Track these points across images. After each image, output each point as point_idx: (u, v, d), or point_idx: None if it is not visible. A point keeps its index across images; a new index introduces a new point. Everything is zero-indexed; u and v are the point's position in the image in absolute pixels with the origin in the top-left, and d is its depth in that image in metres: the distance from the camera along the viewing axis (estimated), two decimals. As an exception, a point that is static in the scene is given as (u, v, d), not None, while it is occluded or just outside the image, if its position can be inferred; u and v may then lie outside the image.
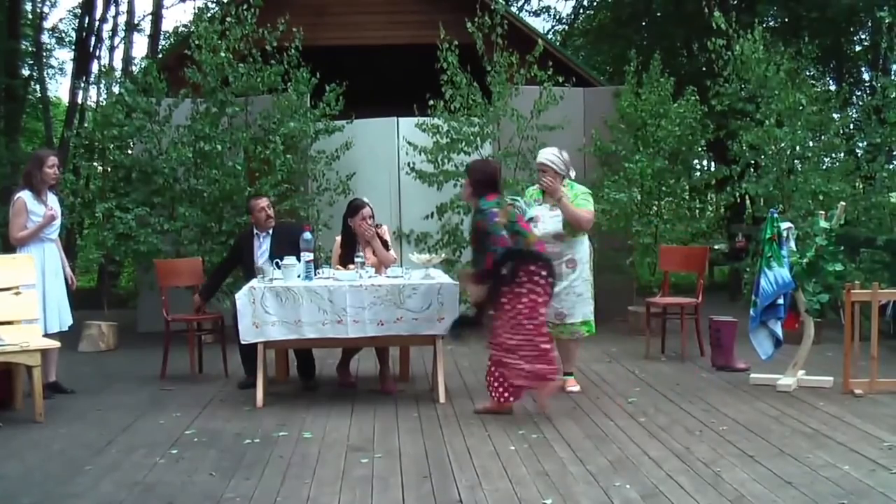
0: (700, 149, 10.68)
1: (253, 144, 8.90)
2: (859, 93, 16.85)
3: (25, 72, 18.41)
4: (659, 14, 17.66)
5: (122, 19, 21.30)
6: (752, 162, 9.86)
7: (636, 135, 9.71)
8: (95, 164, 10.78)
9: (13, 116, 16.80)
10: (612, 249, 9.45)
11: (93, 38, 19.25)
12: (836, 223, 6.37)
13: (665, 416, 5.52)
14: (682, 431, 5.13)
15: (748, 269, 9.19)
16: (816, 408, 5.63)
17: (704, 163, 18.14)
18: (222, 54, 8.78)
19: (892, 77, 13.01)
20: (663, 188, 9.80)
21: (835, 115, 10.07)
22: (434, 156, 8.99)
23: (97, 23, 19.57)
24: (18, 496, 4.14)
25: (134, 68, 19.51)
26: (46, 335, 6.02)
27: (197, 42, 8.86)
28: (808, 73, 10.23)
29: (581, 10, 21.57)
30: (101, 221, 8.69)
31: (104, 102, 11.44)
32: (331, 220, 8.85)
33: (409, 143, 8.99)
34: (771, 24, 15.71)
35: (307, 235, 6.16)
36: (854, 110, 14.81)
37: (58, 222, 6.50)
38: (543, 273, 5.40)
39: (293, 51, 9.05)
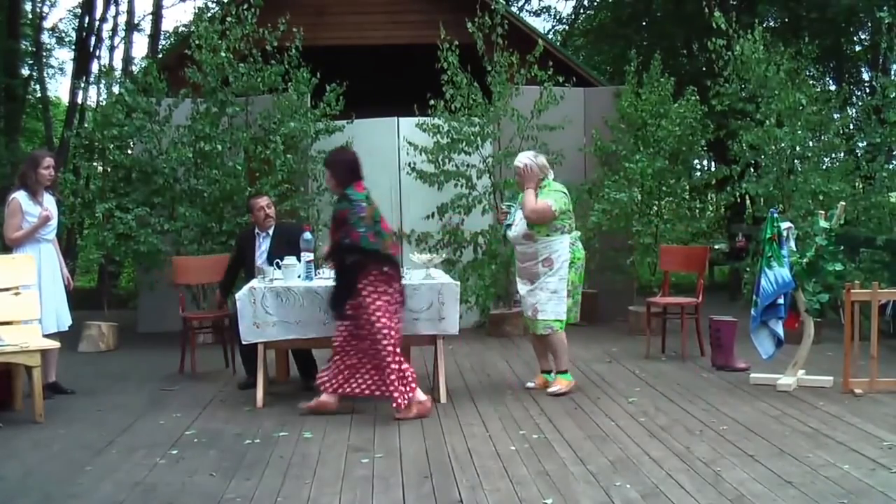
0: (700, 149, 10.68)
1: (253, 144, 8.90)
2: (859, 93, 16.86)
3: (25, 72, 18.42)
4: (659, 14, 17.66)
5: (122, 19, 21.32)
6: (752, 162, 9.86)
7: (636, 135, 9.71)
8: (95, 164, 10.76)
9: (13, 116, 16.81)
10: (613, 249, 9.46)
11: (93, 38, 19.25)
12: (835, 223, 6.37)
13: (665, 415, 5.52)
14: (682, 431, 5.13)
15: (748, 269, 9.20)
16: (816, 407, 5.64)
17: (704, 163, 18.16)
18: (222, 54, 8.78)
19: (892, 77, 13.03)
20: (663, 188, 9.80)
21: (835, 115, 10.06)
22: (435, 156, 9.00)
23: (97, 23, 19.58)
24: (18, 497, 4.14)
25: (134, 68, 19.53)
26: (44, 336, 6.01)
27: (197, 42, 8.86)
28: (808, 73, 10.22)
29: (581, 10, 21.59)
30: (101, 221, 8.68)
31: (104, 102, 11.44)
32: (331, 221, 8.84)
33: (410, 143, 9.00)
34: (771, 24, 15.72)
35: (307, 235, 6.16)
36: (854, 110, 14.82)
37: (54, 223, 6.48)
38: (396, 281, 5.51)
39: (293, 51, 9.05)
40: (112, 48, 21.53)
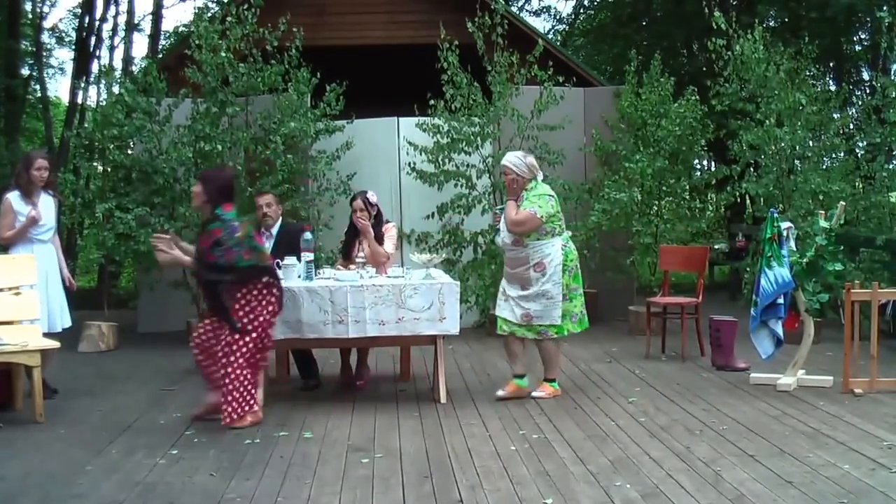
0: (700, 149, 10.68)
1: (253, 144, 8.90)
2: (859, 93, 16.85)
3: (25, 72, 18.40)
4: (659, 14, 17.66)
5: (122, 19, 21.29)
6: (752, 162, 9.86)
7: (636, 134, 9.72)
8: (95, 164, 10.76)
9: (13, 116, 16.79)
10: (613, 249, 9.46)
11: (93, 38, 19.24)
12: (835, 223, 6.37)
13: (665, 415, 5.53)
14: (682, 431, 5.14)
15: (748, 269, 9.20)
16: (816, 407, 5.64)
17: (704, 163, 18.15)
18: (222, 54, 8.76)
19: (892, 77, 13.02)
20: (663, 188, 9.80)
21: (835, 115, 10.07)
22: (435, 156, 9.00)
23: (97, 22, 19.56)
24: (19, 497, 4.15)
25: (134, 68, 19.51)
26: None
27: (197, 42, 8.85)
28: (807, 73, 10.21)
29: (581, 10, 21.59)
30: (101, 221, 8.67)
31: (104, 102, 11.43)
32: (331, 221, 8.85)
33: (410, 143, 8.99)
34: (771, 24, 15.70)
35: (307, 235, 6.16)
36: (854, 110, 14.82)
37: (49, 224, 6.47)
38: (276, 290, 5.47)
39: (293, 51, 9.04)
40: (112, 48, 21.53)
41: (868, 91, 15.95)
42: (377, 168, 9.41)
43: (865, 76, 17.44)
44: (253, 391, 5.39)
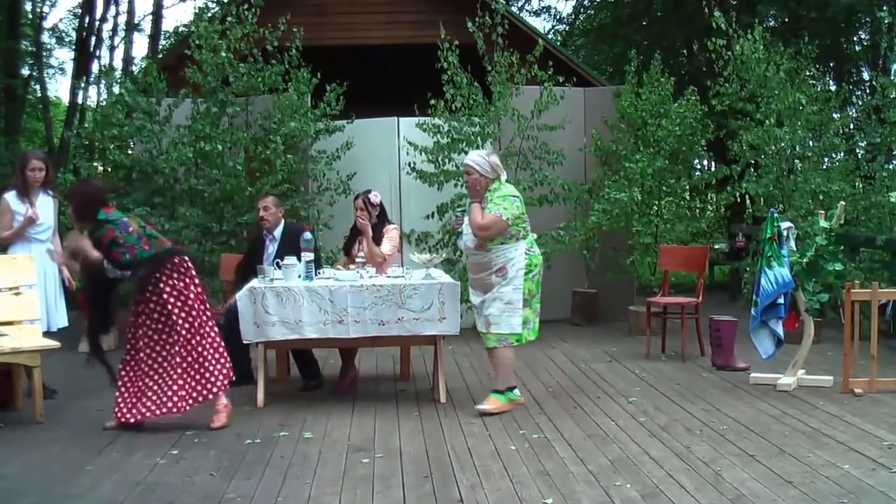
0: (700, 149, 10.68)
1: (253, 144, 8.90)
2: (859, 93, 16.84)
3: (25, 72, 18.42)
4: (659, 14, 17.66)
5: (122, 19, 21.36)
6: (752, 162, 9.86)
7: (636, 134, 9.71)
8: (95, 164, 10.77)
9: (13, 116, 16.80)
10: (613, 249, 9.46)
11: (93, 38, 19.26)
12: (835, 223, 6.37)
13: (665, 415, 5.53)
14: (682, 431, 5.14)
15: (748, 269, 9.20)
16: (816, 407, 5.64)
17: (704, 163, 18.14)
18: (223, 54, 8.77)
19: (892, 77, 13.04)
20: (663, 188, 9.80)
21: (835, 115, 10.07)
22: (435, 156, 8.98)
23: (97, 23, 19.60)
24: (19, 496, 4.15)
25: (134, 68, 19.54)
26: None
27: (197, 42, 8.86)
28: (807, 73, 10.22)
29: (581, 10, 21.58)
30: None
31: (104, 102, 11.44)
32: (331, 221, 8.85)
33: (410, 143, 8.99)
34: (771, 24, 15.70)
35: (307, 235, 6.16)
36: (854, 110, 14.81)
37: (47, 224, 6.48)
38: (187, 264, 5.41)
39: (294, 51, 9.04)
40: (112, 48, 21.59)
41: (868, 91, 15.93)
42: (377, 168, 9.40)
43: (865, 76, 17.44)
44: (224, 355, 5.38)
